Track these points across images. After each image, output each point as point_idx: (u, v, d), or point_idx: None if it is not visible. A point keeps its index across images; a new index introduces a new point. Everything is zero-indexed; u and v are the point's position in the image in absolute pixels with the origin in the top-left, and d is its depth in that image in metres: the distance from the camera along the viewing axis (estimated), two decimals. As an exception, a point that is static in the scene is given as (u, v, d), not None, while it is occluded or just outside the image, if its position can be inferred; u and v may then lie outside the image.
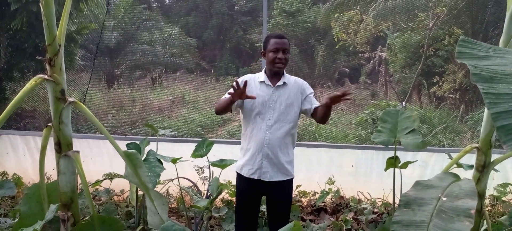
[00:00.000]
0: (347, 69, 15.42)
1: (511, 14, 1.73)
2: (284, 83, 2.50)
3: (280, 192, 2.53)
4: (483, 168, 1.90)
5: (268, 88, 2.49)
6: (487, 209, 3.63)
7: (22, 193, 4.01)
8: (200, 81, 14.11)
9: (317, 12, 13.14)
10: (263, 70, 2.58)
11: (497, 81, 1.01)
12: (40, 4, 1.67)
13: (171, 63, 15.57)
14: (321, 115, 2.40)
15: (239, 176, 2.59)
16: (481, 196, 1.94)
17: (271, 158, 2.45)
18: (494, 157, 1.91)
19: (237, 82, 2.25)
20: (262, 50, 2.57)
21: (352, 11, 9.91)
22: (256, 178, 2.48)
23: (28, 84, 1.72)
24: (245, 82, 2.27)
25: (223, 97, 2.50)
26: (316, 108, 2.48)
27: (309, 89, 2.56)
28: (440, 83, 9.16)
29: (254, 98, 2.39)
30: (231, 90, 2.29)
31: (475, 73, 1.04)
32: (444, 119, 8.35)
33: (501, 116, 0.92)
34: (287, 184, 2.56)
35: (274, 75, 2.52)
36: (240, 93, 2.27)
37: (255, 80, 2.54)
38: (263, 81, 2.51)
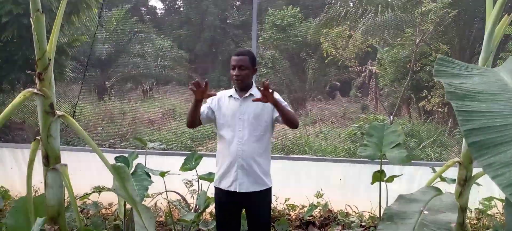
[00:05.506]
0: (338, 83, 15.56)
1: (489, 33, 1.80)
2: (251, 94, 2.55)
3: (258, 202, 2.58)
4: (465, 182, 1.95)
5: (236, 101, 2.56)
6: (472, 222, 3.68)
7: (9, 206, 3.96)
8: (191, 94, 14.00)
9: (308, 27, 13.29)
10: (233, 86, 2.64)
11: (470, 99, 1.06)
12: (31, 20, 1.70)
13: (163, 76, 15.58)
14: (282, 118, 2.46)
15: (217, 190, 2.62)
16: (463, 209, 1.98)
17: (245, 169, 2.49)
18: (476, 170, 1.96)
19: (197, 82, 2.35)
20: None
21: (341, 26, 10.04)
22: (233, 190, 2.51)
23: (17, 98, 1.73)
24: (206, 83, 2.37)
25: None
26: None
27: (276, 96, 2.52)
28: (429, 97, 9.28)
29: (215, 95, 2.52)
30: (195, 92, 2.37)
31: (450, 91, 1.09)
32: (432, 132, 8.45)
33: (472, 133, 0.96)
34: (265, 194, 2.59)
35: (241, 89, 2.58)
36: (202, 92, 2.36)
37: (225, 96, 2.62)
38: (231, 95, 2.59)
